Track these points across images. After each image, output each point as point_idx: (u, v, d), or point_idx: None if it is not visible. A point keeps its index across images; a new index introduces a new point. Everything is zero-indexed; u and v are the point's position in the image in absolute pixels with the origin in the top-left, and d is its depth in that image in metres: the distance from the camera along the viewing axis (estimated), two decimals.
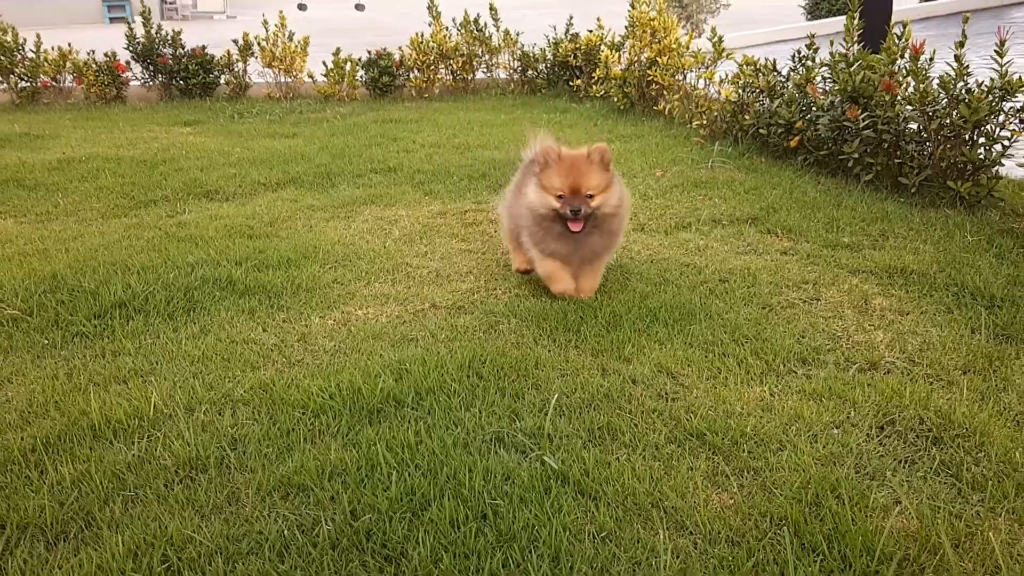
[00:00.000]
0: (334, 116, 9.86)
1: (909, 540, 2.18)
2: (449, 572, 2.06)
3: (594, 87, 9.72)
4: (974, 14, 11.17)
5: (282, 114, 10.13)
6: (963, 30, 4.97)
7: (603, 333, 3.48)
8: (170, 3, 28.29)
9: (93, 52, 11.23)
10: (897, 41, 5.52)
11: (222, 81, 11.57)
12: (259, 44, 11.35)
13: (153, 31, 11.31)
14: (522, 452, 2.62)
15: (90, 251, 4.66)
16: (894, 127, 5.25)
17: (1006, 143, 4.93)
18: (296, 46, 11.43)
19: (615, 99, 9.16)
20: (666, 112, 8.35)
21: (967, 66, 4.98)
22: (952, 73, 5.00)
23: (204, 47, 11.45)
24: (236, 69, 11.54)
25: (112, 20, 26.21)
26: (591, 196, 3.55)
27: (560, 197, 3.56)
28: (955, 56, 5.00)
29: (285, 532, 2.23)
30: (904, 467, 2.53)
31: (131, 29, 11.20)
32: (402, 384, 3.01)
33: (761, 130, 6.57)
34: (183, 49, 11.32)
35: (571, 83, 10.70)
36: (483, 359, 3.22)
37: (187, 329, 3.60)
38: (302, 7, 25.74)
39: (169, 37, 11.36)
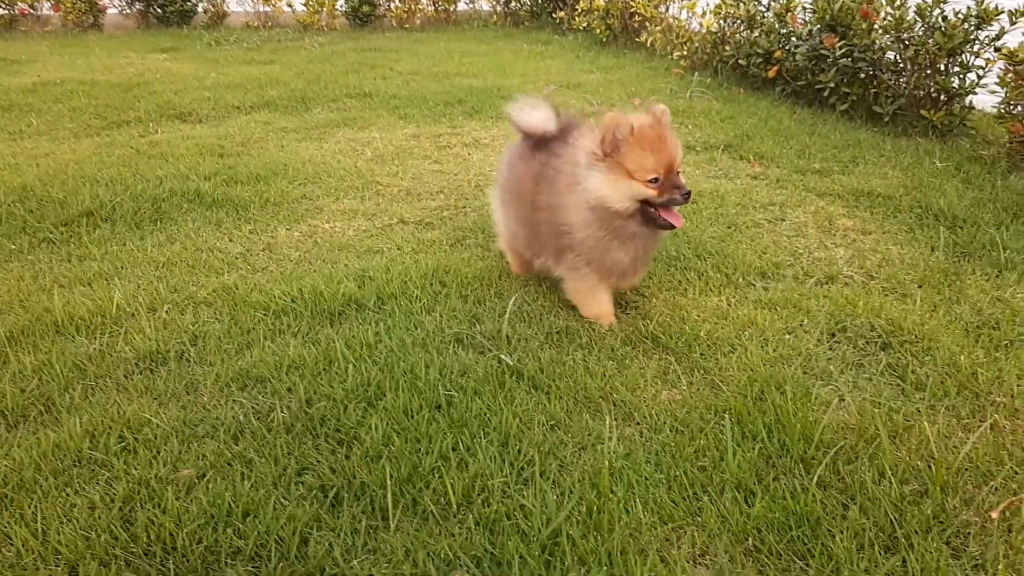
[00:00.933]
0: (312, 44, 9.73)
1: (848, 431, 2.24)
2: (400, 453, 2.11)
3: (577, 19, 9.62)
4: None
5: (260, 42, 9.99)
6: None
7: None
8: None
9: None
10: None
11: (200, 9, 11.36)
12: None
13: None
14: (480, 352, 2.66)
15: (60, 166, 4.64)
16: (870, 56, 5.24)
17: (980, 72, 4.93)
18: None
19: (597, 31, 9.08)
20: (648, 44, 8.28)
21: None
22: (929, 1, 4.98)
23: None
24: None
25: None
26: (679, 173, 2.68)
27: (654, 181, 2.62)
28: None
29: (241, 418, 2.28)
30: (851, 369, 2.59)
31: None
32: (364, 289, 3.04)
33: (740, 61, 6.54)
34: None
35: (554, 15, 10.57)
36: (447, 269, 3.25)
37: (153, 237, 3.61)
38: None
39: None
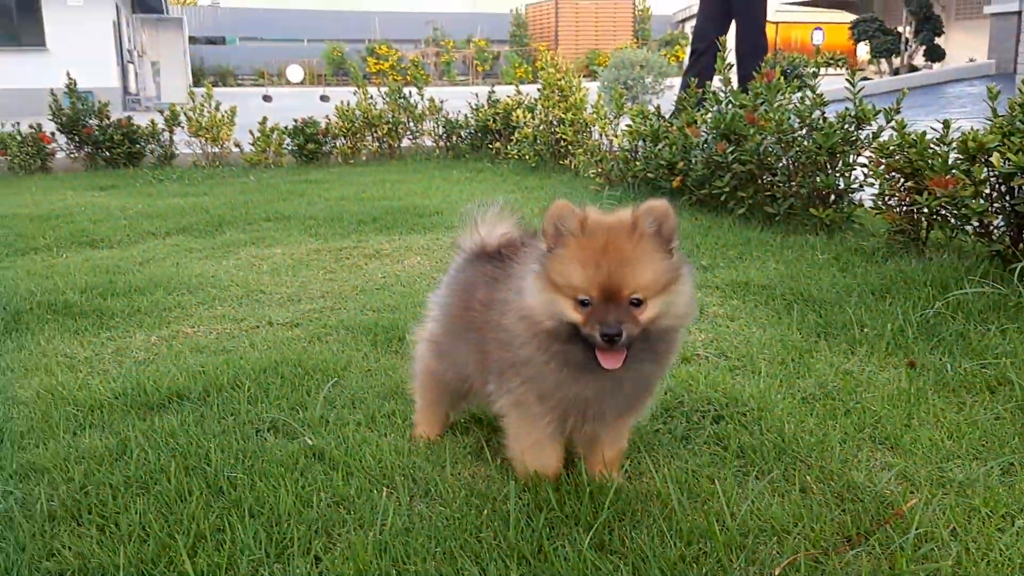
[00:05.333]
0: (251, 178, 9.90)
1: (649, 498, 2.13)
2: (155, 535, 1.97)
3: (510, 148, 9.87)
4: (919, 89, 12.75)
5: (202, 179, 10.14)
6: (816, 55, 5.11)
7: None
8: (133, 94, 28.64)
9: (18, 124, 11.25)
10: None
11: (148, 151, 11.59)
12: (186, 114, 11.43)
13: (79, 103, 11.37)
14: (291, 437, 2.55)
15: None
16: (757, 158, 5.35)
17: (865, 171, 5.01)
18: (223, 116, 11.53)
19: (527, 157, 9.30)
20: (572, 166, 8.48)
21: (822, 95, 5.12)
22: (808, 103, 5.14)
23: (130, 117, 11.51)
24: (163, 139, 11.59)
25: None
26: (639, 302, 1.92)
27: (583, 303, 1.94)
28: (810, 87, 5.15)
29: (3, 508, 2.14)
30: (677, 441, 2.49)
31: (56, 100, 11.25)
32: (192, 382, 2.94)
33: (649, 174, 6.68)
34: (108, 120, 11.38)
35: (491, 146, 10.86)
36: (290, 361, 3.16)
37: (3, 346, 3.52)
38: (267, 98, 26.16)
39: (95, 108, 11.42)
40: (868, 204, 4.84)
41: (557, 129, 8.84)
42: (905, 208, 4.42)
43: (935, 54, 26.55)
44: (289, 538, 1.98)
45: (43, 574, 1.86)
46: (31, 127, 11.23)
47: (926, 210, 4.24)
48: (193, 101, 11.61)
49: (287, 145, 11.59)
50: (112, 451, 2.43)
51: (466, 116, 11.67)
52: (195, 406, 2.77)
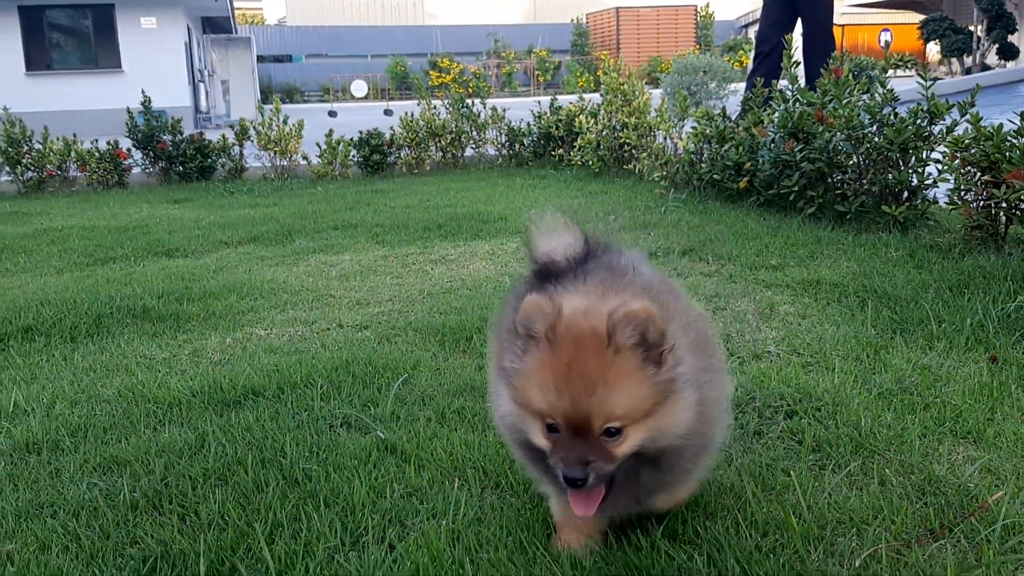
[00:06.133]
0: (319, 190, 10.08)
1: (722, 492, 2.10)
2: (234, 523, 2.02)
3: (573, 154, 9.88)
4: (992, 88, 12.58)
5: (271, 191, 10.37)
6: (886, 53, 5.01)
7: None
8: (204, 113, 29.46)
9: (96, 141, 11.65)
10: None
11: (219, 165, 11.88)
12: (255, 128, 11.70)
13: (153, 120, 11.73)
14: (364, 431, 2.58)
15: (27, 295, 4.75)
16: (826, 156, 5.26)
17: (939, 166, 4.88)
18: (291, 129, 11.77)
19: (591, 163, 9.29)
20: (636, 171, 8.44)
21: (892, 90, 5.01)
22: (879, 99, 5.03)
23: (202, 132, 11.84)
24: (233, 153, 11.88)
25: None
26: (616, 431, 1.56)
27: (551, 428, 1.61)
28: (879, 82, 5.04)
29: (87, 498, 2.21)
30: (749, 436, 2.45)
31: (132, 118, 11.63)
32: (267, 380, 3.00)
33: (715, 176, 6.61)
34: (181, 135, 11.71)
35: (553, 153, 10.87)
36: (360, 360, 3.21)
37: (85, 348, 3.64)
38: (332, 114, 26.64)
39: (169, 124, 11.76)
40: (943, 200, 4.70)
41: (620, 134, 8.81)
42: (982, 203, 4.29)
43: (1008, 52, 25.77)
44: (364, 527, 2.00)
45: (127, 559, 1.92)
46: (108, 144, 11.61)
47: (1004, 204, 4.12)
48: (262, 116, 11.86)
49: (353, 157, 11.76)
50: (191, 445, 2.49)
51: (528, 124, 11.71)
52: (270, 403, 2.83)
